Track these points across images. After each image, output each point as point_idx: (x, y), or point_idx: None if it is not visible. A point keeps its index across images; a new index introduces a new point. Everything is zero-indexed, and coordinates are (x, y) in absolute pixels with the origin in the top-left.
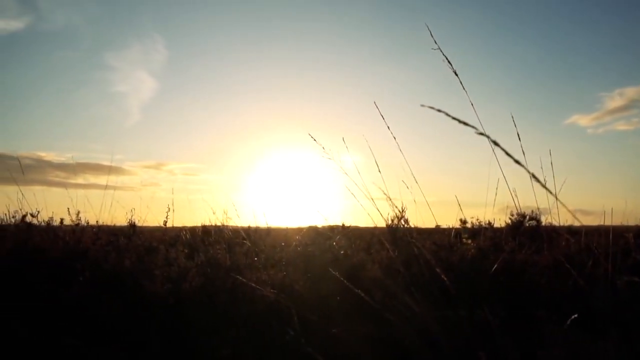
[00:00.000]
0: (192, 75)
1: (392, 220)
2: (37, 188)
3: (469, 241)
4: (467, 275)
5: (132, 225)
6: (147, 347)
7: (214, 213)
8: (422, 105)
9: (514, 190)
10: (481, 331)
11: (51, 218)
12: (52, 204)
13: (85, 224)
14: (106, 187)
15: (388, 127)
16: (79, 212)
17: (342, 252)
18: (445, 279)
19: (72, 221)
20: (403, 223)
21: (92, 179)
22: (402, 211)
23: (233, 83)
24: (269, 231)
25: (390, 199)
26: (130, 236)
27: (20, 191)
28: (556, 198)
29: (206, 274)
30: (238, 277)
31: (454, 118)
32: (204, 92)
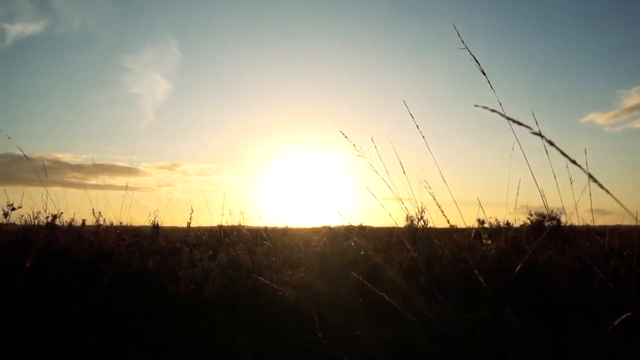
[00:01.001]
0: (204, 77)
1: (412, 221)
2: (55, 189)
3: (489, 242)
4: (489, 276)
5: (155, 227)
6: (172, 348)
7: (230, 213)
8: (476, 106)
9: (542, 190)
10: (506, 334)
11: (73, 219)
12: (71, 205)
13: (110, 225)
14: (126, 188)
15: (417, 127)
16: (99, 213)
17: (361, 252)
18: (482, 280)
19: (95, 222)
20: (422, 223)
21: (108, 180)
22: (422, 211)
23: (245, 84)
24: (285, 231)
25: (414, 199)
26: (154, 237)
27: (47, 192)
28: (614, 198)
29: (228, 274)
30: (259, 278)
31: (508, 118)
32: (217, 93)
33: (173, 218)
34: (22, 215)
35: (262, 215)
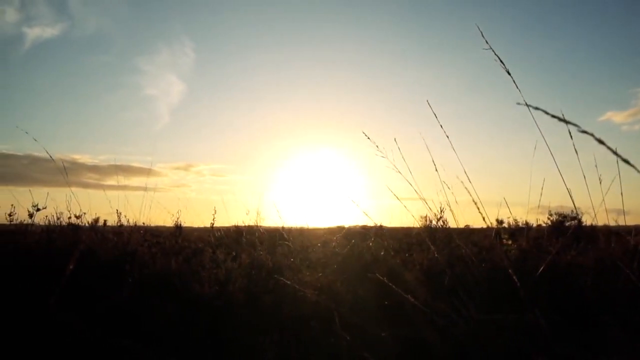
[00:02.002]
0: (219, 78)
1: (430, 221)
2: (73, 189)
3: (510, 242)
4: (512, 277)
5: (178, 227)
6: (196, 349)
7: (247, 213)
8: (518, 104)
9: (570, 190)
10: (533, 336)
11: (94, 219)
12: (90, 205)
13: (131, 225)
14: (146, 188)
15: (441, 126)
16: (120, 214)
17: (381, 252)
18: (516, 281)
19: (116, 223)
20: (442, 223)
21: (124, 180)
22: (442, 211)
23: (259, 84)
24: (301, 231)
25: (429, 199)
26: (177, 238)
27: (71, 192)
28: None
29: (250, 275)
30: (280, 278)
31: (553, 116)
32: (231, 93)
33: (192, 218)
34: (46, 216)
35: (282, 215)
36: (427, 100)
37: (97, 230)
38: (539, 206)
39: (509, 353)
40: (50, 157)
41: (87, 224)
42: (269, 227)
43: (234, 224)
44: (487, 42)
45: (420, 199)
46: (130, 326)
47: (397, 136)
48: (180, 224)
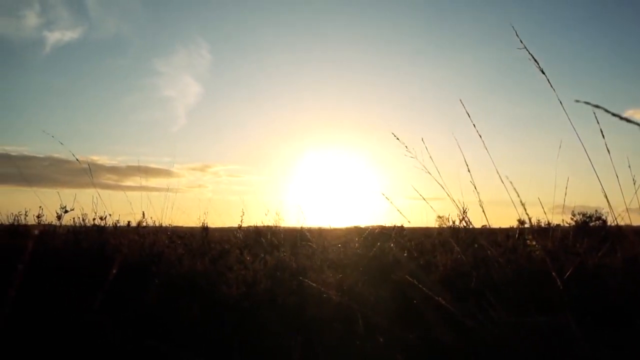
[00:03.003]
0: (235, 79)
1: (453, 222)
2: (92, 191)
3: (533, 242)
4: (538, 279)
5: (204, 228)
6: (223, 350)
7: (266, 214)
8: (577, 101)
9: (604, 191)
10: (564, 339)
11: (118, 221)
12: (109, 206)
13: (154, 226)
14: (167, 189)
15: (474, 125)
16: (144, 215)
17: (404, 253)
18: (544, 283)
19: (140, 223)
20: (465, 224)
21: (142, 181)
22: (464, 212)
23: (275, 85)
24: (320, 232)
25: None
26: (202, 239)
27: (98, 194)
28: None
29: (275, 276)
30: (305, 280)
31: (614, 114)
32: (247, 94)
33: (211, 219)
34: (73, 218)
35: (305, 215)
36: (460, 100)
37: (120, 231)
38: (563, 207)
39: (540, 356)
40: (77, 160)
41: (111, 225)
42: (288, 227)
43: (253, 225)
44: (521, 42)
45: (451, 200)
46: (157, 327)
47: (409, 135)
48: (207, 226)
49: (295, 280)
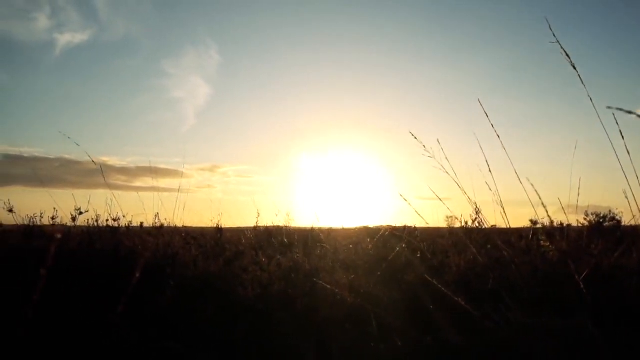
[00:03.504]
0: (244, 80)
1: (466, 222)
2: (102, 191)
3: (547, 243)
4: (554, 280)
5: (219, 230)
6: (238, 352)
7: (277, 215)
8: (609, 108)
9: (629, 189)
10: (582, 341)
11: (130, 222)
12: (121, 207)
13: (172, 227)
14: (179, 190)
15: (492, 125)
16: (157, 215)
17: (417, 254)
18: (575, 280)
19: (153, 224)
20: (477, 224)
21: (152, 182)
22: (477, 212)
23: (283, 86)
24: (329, 232)
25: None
26: (217, 240)
27: (115, 196)
28: None
29: (289, 278)
30: (319, 282)
31: None
32: (256, 95)
33: (223, 219)
34: (88, 220)
35: (300, 215)
36: (479, 99)
37: (133, 232)
38: (576, 207)
39: (559, 359)
40: (93, 161)
41: (124, 226)
42: (299, 227)
43: (264, 225)
44: (554, 35)
45: (468, 200)
46: (174, 328)
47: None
48: (221, 227)
49: (309, 282)
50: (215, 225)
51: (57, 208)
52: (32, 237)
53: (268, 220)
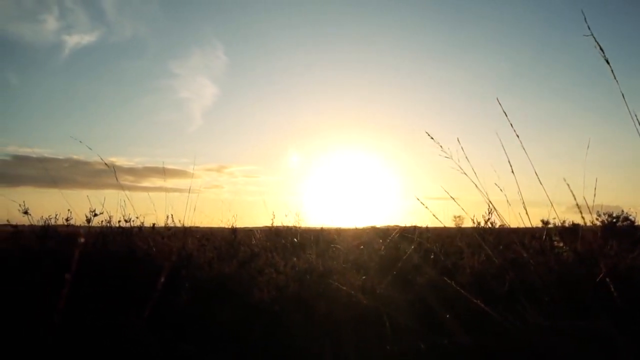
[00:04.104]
0: (250, 80)
1: (478, 222)
2: (110, 192)
3: (561, 244)
4: (570, 281)
5: (233, 231)
6: (252, 353)
7: (286, 215)
8: None
9: None
10: (605, 346)
11: (142, 222)
12: (131, 208)
13: (184, 227)
14: (190, 191)
15: (511, 125)
16: (172, 216)
17: (431, 256)
18: (592, 281)
19: (165, 225)
20: (490, 224)
21: (158, 182)
22: (490, 213)
23: (291, 86)
24: (339, 232)
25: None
26: (232, 241)
27: (127, 197)
28: None
29: (303, 279)
30: (335, 283)
31: None
32: (263, 95)
33: (232, 219)
34: (102, 221)
35: (308, 215)
36: (497, 99)
37: (146, 232)
38: (593, 207)
39: None
40: (106, 164)
41: (137, 227)
42: (308, 227)
43: (273, 225)
44: (589, 28)
45: (487, 201)
46: (188, 330)
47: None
48: (235, 228)
49: (323, 283)
50: (226, 226)
51: (70, 209)
52: (48, 238)
53: (277, 220)
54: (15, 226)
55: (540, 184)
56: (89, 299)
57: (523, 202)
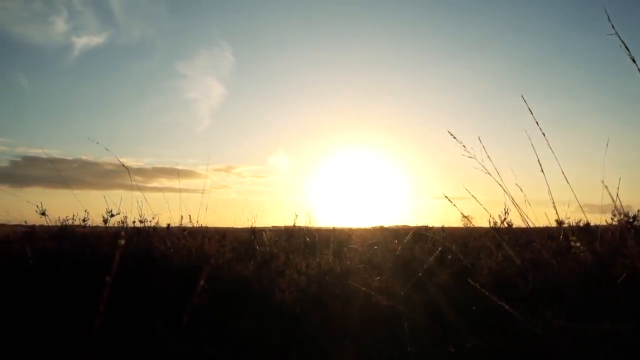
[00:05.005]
0: (258, 80)
1: (495, 222)
2: (119, 192)
3: (578, 244)
4: (590, 282)
5: (252, 231)
6: (277, 356)
7: (297, 216)
8: None
9: None
10: (629, 348)
11: (157, 223)
12: (142, 208)
13: (199, 227)
14: (203, 191)
15: (537, 123)
16: (182, 217)
17: (448, 256)
18: (613, 283)
19: (180, 225)
20: (506, 224)
21: (166, 182)
22: (506, 212)
23: (297, 86)
24: (350, 233)
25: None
26: (251, 242)
27: (144, 197)
28: None
29: (322, 280)
30: (355, 284)
31: None
32: (270, 95)
33: (243, 219)
34: (119, 221)
35: (317, 215)
36: (522, 96)
37: (159, 232)
38: (614, 206)
39: None
40: (123, 165)
41: (152, 227)
42: (319, 228)
43: (284, 225)
44: (613, 27)
45: (514, 204)
46: (210, 332)
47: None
48: (254, 228)
49: (342, 284)
50: (239, 226)
51: (87, 210)
52: (65, 239)
53: (289, 220)
54: (32, 227)
55: (567, 183)
56: (105, 301)
57: (553, 202)
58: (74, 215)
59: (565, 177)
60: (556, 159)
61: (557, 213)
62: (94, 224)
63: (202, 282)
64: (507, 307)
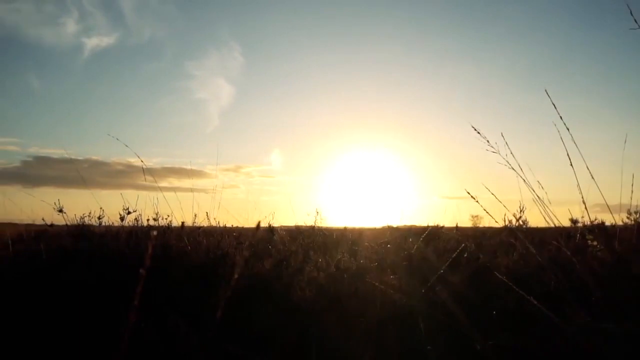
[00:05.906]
0: (267, 80)
1: (510, 221)
2: (125, 192)
3: (595, 242)
4: (611, 281)
5: (271, 230)
6: (298, 354)
7: (308, 215)
8: None
9: None
10: None
11: (170, 221)
12: (154, 207)
13: (214, 226)
14: (214, 191)
15: (561, 118)
16: (195, 215)
17: (464, 254)
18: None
19: (194, 224)
20: (521, 223)
21: (175, 182)
22: (522, 211)
23: (306, 87)
24: (361, 232)
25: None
26: (269, 240)
27: (163, 196)
28: None
29: (339, 278)
30: (374, 283)
31: None
32: (279, 95)
33: (253, 218)
34: (136, 220)
35: (328, 215)
36: (546, 90)
37: (173, 230)
38: (631, 205)
39: None
40: (142, 161)
41: (166, 225)
42: (330, 227)
43: (295, 225)
44: (635, 21)
45: (537, 202)
46: (230, 330)
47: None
48: (273, 227)
49: (359, 282)
50: (251, 225)
51: (102, 208)
52: (82, 237)
53: (300, 219)
54: (51, 225)
55: (593, 179)
56: (124, 299)
57: (584, 201)
58: (90, 213)
59: (591, 174)
60: (582, 156)
61: (569, 211)
62: (109, 222)
63: (220, 280)
64: (535, 301)
